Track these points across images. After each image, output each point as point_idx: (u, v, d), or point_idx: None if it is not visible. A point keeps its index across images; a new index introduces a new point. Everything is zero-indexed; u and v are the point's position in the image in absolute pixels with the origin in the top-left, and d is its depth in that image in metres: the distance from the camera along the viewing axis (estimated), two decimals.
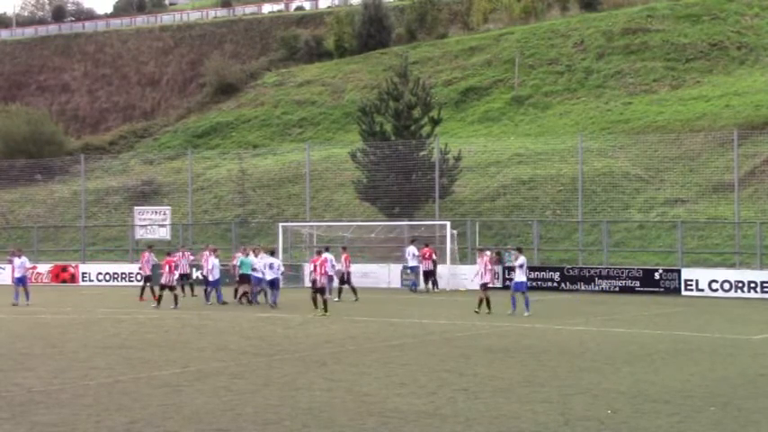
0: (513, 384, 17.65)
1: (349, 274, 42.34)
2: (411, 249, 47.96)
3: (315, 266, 34.05)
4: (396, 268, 51.17)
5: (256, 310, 35.86)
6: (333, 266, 40.62)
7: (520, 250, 35.36)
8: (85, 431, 13.72)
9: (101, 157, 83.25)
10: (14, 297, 39.44)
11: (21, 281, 40.03)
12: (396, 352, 22.60)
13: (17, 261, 40.61)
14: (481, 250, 37.24)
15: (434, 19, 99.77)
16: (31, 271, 50.19)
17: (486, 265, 34.54)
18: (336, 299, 40.43)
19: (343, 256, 42.65)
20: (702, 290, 43.73)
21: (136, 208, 64.05)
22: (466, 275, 48.58)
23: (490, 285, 34.62)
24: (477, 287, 35.03)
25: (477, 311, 33.44)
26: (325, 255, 37.65)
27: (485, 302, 33.57)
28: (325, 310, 33.10)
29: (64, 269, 58.02)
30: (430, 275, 47.31)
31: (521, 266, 33.86)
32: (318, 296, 33.61)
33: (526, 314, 32.41)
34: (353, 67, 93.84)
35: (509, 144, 67.74)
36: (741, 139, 52.63)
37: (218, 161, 77.79)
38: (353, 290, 41.33)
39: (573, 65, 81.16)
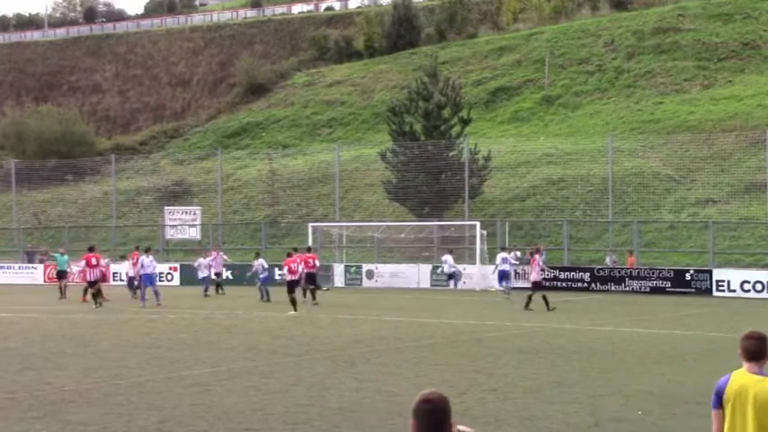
0: (543, 385, 17.59)
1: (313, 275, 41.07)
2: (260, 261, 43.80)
3: (289, 267, 35.27)
4: (425, 268, 51.15)
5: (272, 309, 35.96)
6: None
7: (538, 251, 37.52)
8: (116, 430, 13.78)
9: (131, 158, 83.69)
10: (142, 299, 39.19)
11: (150, 280, 39.70)
12: (425, 352, 22.58)
13: (146, 259, 39.91)
14: (537, 250, 37.34)
15: (464, 19, 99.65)
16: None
17: (537, 265, 35.79)
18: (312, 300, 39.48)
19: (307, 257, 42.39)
20: (734, 291, 43.42)
21: (166, 208, 64.31)
22: (495, 276, 48.54)
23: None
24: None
25: (530, 309, 34.44)
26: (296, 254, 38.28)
27: (543, 300, 34.69)
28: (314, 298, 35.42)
29: None
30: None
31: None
32: (296, 294, 34.89)
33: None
34: (383, 67, 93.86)
35: (539, 144, 67.55)
36: None
37: (248, 161, 78.03)
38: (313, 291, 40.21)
39: (603, 64, 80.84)
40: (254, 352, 22.76)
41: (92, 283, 38.46)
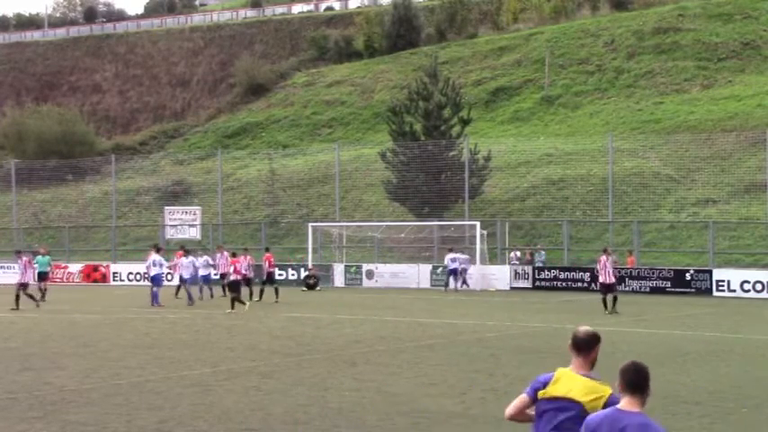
0: None
1: (271, 273, 42.05)
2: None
3: (234, 267, 35.89)
4: (425, 268, 51.15)
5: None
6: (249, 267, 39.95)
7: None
8: (116, 430, 13.77)
9: (131, 158, 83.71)
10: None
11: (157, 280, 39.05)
12: (425, 352, 22.56)
13: (157, 258, 39.24)
14: (605, 251, 36.44)
15: (464, 19, 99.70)
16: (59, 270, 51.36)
17: (605, 267, 34.39)
18: (257, 299, 39.91)
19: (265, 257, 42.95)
20: (734, 291, 43.40)
21: (166, 208, 64.31)
22: (495, 275, 48.57)
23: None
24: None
25: (612, 312, 33.47)
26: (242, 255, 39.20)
27: (610, 303, 33.83)
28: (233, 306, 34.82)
29: (95, 269, 58.28)
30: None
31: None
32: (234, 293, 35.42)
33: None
34: (383, 67, 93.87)
35: (539, 144, 67.56)
36: None
37: (248, 161, 78.05)
38: (276, 290, 40.74)
39: (603, 64, 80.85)
40: (254, 352, 22.74)
41: (23, 285, 36.81)
